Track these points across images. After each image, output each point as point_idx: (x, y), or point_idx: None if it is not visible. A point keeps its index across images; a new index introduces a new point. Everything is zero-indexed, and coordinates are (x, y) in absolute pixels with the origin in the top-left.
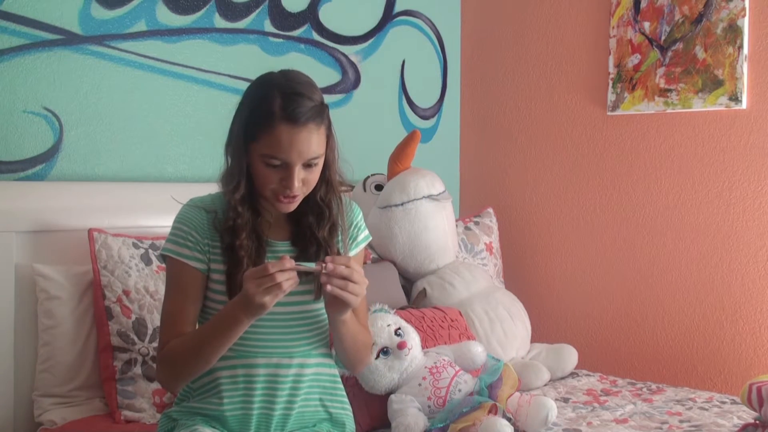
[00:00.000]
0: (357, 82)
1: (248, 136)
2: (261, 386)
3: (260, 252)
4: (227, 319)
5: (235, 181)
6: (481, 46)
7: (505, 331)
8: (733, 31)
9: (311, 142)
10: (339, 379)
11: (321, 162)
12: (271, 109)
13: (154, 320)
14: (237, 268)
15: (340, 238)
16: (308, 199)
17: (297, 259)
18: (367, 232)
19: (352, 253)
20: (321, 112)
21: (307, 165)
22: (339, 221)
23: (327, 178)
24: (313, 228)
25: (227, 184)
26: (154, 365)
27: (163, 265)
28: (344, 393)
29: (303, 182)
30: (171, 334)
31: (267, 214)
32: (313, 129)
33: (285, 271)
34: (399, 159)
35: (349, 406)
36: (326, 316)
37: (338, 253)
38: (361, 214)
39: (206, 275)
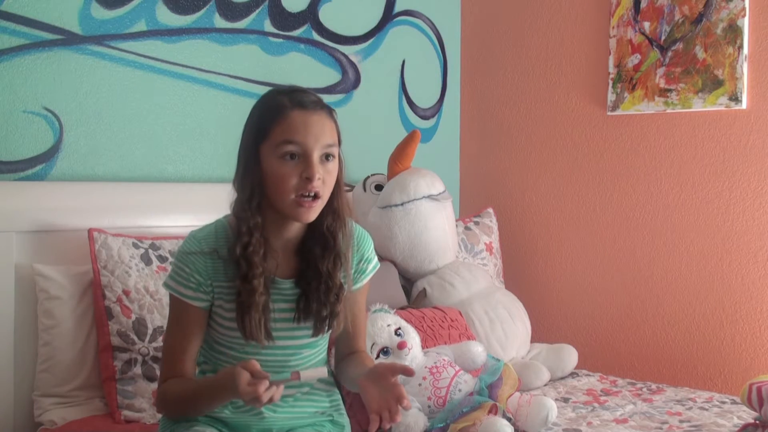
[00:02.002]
0: (357, 82)
1: (259, 138)
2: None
3: (268, 295)
4: (219, 391)
5: (248, 190)
6: (481, 46)
7: (505, 331)
8: (733, 31)
9: (325, 127)
10: (337, 391)
11: (337, 159)
12: (279, 103)
13: (154, 320)
14: (250, 297)
15: (343, 271)
16: (314, 230)
17: (299, 299)
18: (375, 261)
19: (357, 286)
20: (330, 109)
21: (324, 157)
22: (343, 252)
23: (335, 208)
24: (318, 260)
25: (242, 193)
26: (155, 365)
27: (164, 266)
28: (342, 403)
29: (323, 181)
30: (171, 370)
31: (275, 253)
32: (324, 116)
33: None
34: (399, 159)
35: (344, 412)
36: (324, 347)
37: (341, 287)
38: (371, 246)
39: (208, 311)
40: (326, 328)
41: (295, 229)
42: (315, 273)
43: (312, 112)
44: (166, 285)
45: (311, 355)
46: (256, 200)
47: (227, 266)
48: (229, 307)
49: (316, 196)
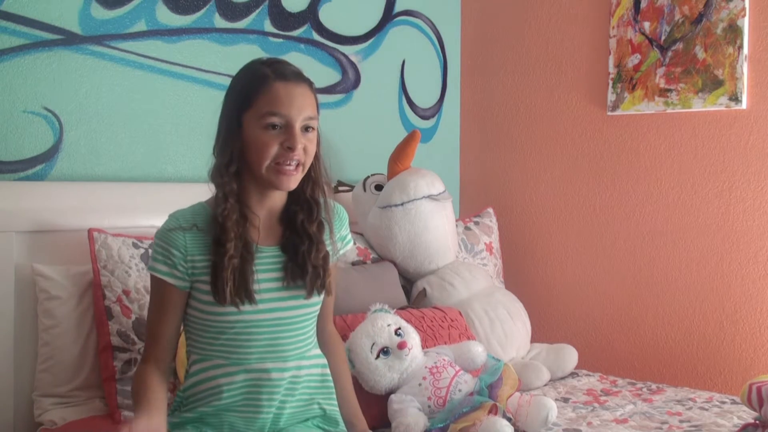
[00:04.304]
0: (357, 82)
1: (243, 106)
2: (256, 390)
3: (248, 258)
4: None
5: (228, 155)
6: (481, 46)
7: (505, 331)
8: (733, 31)
9: (306, 99)
10: (330, 377)
11: (316, 132)
12: (263, 74)
13: None
14: (223, 259)
15: (328, 236)
16: (298, 198)
17: (286, 264)
18: (350, 236)
19: (341, 252)
20: (310, 82)
21: (305, 129)
22: (326, 219)
23: (314, 178)
24: (305, 225)
25: (221, 158)
26: None
27: None
28: (334, 391)
29: (304, 150)
30: (149, 346)
31: (255, 218)
32: (306, 89)
33: None
34: (399, 159)
35: (336, 404)
36: (312, 329)
37: (327, 252)
38: (347, 219)
39: (187, 292)
40: (320, 286)
41: (277, 198)
42: (301, 237)
43: (294, 84)
44: (149, 267)
45: (301, 334)
46: (234, 166)
47: (207, 240)
48: (206, 280)
49: (297, 165)
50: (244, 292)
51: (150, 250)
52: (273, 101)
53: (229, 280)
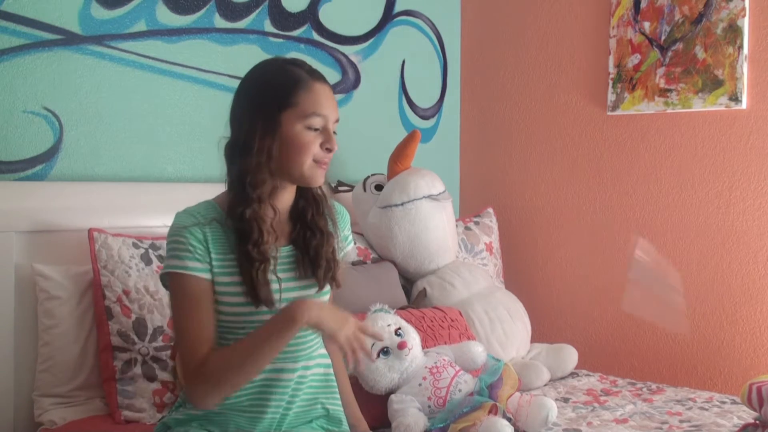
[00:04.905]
0: (357, 82)
1: (283, 105)
2: (264, 391)
3: (271, 260)
4: (284, 323)
5: (267, 153)
6: (481, 46)
7: (505, 331)
8: (733, 31)
9: (335, 102)
10: (333, 377)
11: None
12: (298, 75)
13: (154, 320)
14: (262, 263)
15: (333, 231)
16: (305, 196)
17: (299, 261)
18: (351, 236)
19: (345, 251)
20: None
21: (333, 131)
22: (329, 214)
23: None
24: (315, 218)
25: (259, 156)
26: (155, 365)
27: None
28: (337, 389)
29: None
30: (200, 352)
31: (270, 220)
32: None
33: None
34: (399, 159)
35: (340, 404)
36: None
37: (335, 247)
38: (349, 221)
39: (212, 286)
40: (332, 278)
41: (289, 197)
42: (313, 231)
43: (329, 86)
44: (164, 272)
45: (309, 333)
46: (274, 163)
47: (224, 238)
48: (229, 281)
49: (329, 159)
50: (271, 295)
51: (150, 250)
52: (317, 101)
53: (266, 283)
